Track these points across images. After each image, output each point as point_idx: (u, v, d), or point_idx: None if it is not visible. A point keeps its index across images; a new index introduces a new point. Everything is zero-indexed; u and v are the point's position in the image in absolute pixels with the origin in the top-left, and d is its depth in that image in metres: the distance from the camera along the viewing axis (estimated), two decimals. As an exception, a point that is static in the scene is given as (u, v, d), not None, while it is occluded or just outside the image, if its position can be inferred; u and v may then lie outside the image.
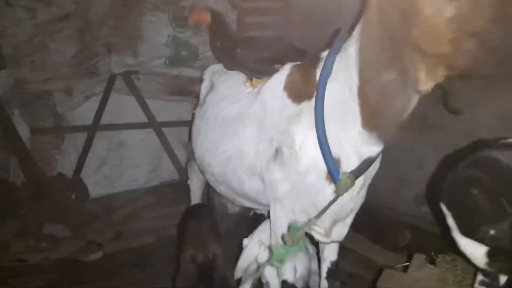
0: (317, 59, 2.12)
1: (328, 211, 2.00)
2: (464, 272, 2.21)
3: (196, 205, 3.34)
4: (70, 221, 4.05)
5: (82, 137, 4.56)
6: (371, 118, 1.86)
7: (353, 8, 1.92)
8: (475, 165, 1.44)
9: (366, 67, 1.78)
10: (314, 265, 2.70)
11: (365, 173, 2.04)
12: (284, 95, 2.22)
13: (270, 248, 2.24)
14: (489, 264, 1.48)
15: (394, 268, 2.70)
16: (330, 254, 2.51)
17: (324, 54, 2.07)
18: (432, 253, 2.46)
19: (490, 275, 1.57)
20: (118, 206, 4.47)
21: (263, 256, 2.52)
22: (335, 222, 2.25)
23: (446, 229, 1.63)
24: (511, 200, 1.35)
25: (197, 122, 2.88)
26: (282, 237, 2.12)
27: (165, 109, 4.93)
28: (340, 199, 1.98)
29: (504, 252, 1.43)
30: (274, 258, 1.97)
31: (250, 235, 2.63)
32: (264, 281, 2.45)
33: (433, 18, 1.49)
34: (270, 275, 2.39)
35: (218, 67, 2.99)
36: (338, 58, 1.95)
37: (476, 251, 1.48)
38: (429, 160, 3.38)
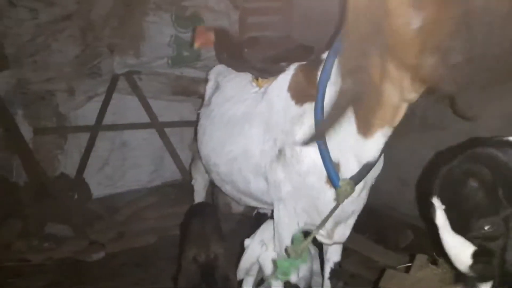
0: (318, 61, 2.12)
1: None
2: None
3: (199, 204, 3.34)
4: (72, 221, 4.05)
5: (84, 137, 4.57)
6: (364, 124, 1.86)
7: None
8: (473, 159, 1.42)
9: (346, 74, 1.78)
10: (316, 266, 2.70)
11: (372, 173, 2.04)
12: (288, 96, 2.23)
13: (274, 262, 2.26)
14: (472, 267, 1.45)
15: (396, 269, 2.69)
16: (333, 255, 2.51)
17: (325, 55, 2.07)
18: (434, 253, 2.46)
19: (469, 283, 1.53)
20: (120, 206, 4.48)
21: (265, 256, 2.52)
22: (336, 223, 2.25)
23: (433, 231, 1.59)
24: (508, 194, 1.34)
25: (202, 122, 2.89)
26: (286, 250, 2.12)
27: (168, 109, 4.94)
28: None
29: (489, 253, 1.41)
30: (279, 271, 1.97)
31: (252, 235, 2.63)
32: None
33: (402, 28, 1.50)
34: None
35: (223, 67, 2.99)
36: (337, 60, 1.93)
37: (462, 253, 1.44)
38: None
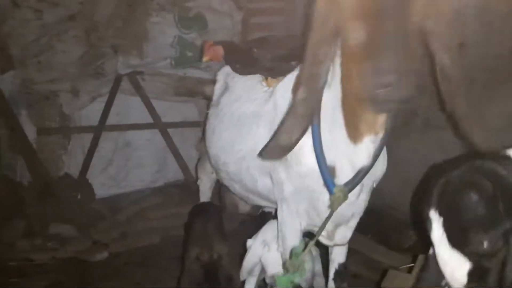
0: None
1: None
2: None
3: (203, 204, 3.34)
4: (76, 221, 4.06)
5: (88, 137, 4.58)
6: (353, 130, 1.87)
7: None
8: (473, 171, 1.39)
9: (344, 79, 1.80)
10: (318, 267, 2.69)
11: (366, 178, 2.03)
12: (291, 96, 2.23)
13: (274, 278, 2.30)
14: (466, 286, 1.41)
15: (398, 269, 2.70)
16: (338, 255, 2.50)
17: None
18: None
19: None
20: (123, 206, 4.49)
21: (267, 256, 2.52)
22: (337, 225, 2.25)
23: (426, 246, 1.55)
24: (508, 208, 1.31)
25: (211, 122, 2.90)
26: (284, 264, 2.15)
27: (171, 110, 4.94)
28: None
29: (486, 272, 1.37)
30: (278, 286, 1.99)
31: (254, 236, 2.64)
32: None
33: (350, 41, 1.54)
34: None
35: None
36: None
37: (457, 270, 1.39)
38: (434, 161, 3.37)
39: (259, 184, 2.46)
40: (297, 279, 2.01)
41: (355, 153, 1.93)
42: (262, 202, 2.70)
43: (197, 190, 3.59)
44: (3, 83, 4.14)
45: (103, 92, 4.56)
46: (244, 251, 2.68)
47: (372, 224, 3.12)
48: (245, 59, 2.76)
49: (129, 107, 4.77)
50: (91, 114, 4.60)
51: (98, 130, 4.58)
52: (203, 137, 3.13)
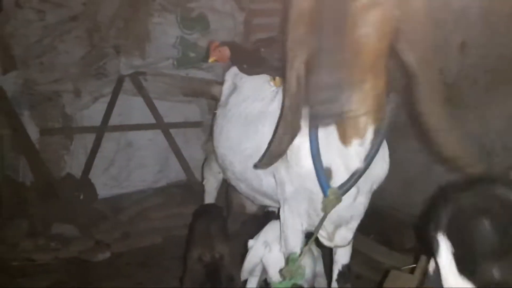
0: None
1: (329, 216, 2.02)
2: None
3: (207, 205, 3.35)
4: (78, 221, 4.07)
5: (90, 138, 4.59)
6: (342, 133, 1.88)
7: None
8: (485, 197, 1.33)
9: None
10: (319, 267, 2.69)
11: (362, 181, 2.03)
12: None
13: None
14: None
15: (401, 270, 2.69)
16: (342, 257, 2.50)
17: None
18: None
19: None
20: (126, 207, 4.49)
21: (268, 257, 2.52)
22: (336, 227, 2.25)
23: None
24: None
25: (219, 121, 2.91)
26: (280, 271, 2.16)
27: (173, 110, 4.95)
28: (337, 207, 1.98)
29: None
30: None
31: (256, 236, 2.64)
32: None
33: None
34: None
35: None
36: None
37: None
38: (435, 162, 3.37)
39: (264, 184, 2.47)
40: (294, 283, 2.02)
41: (347, 156, 1.94)
42: (267, 202, 2.71)
43: (199, 190, 3.60)
44: (6, 83, 4.15)
45: (105, 92, 4.57)
46: (245, 251, 2.69)
47: (374, 224, 3.12)
48: (252, 59, 2.77)
49: (131, 108, 4.77)
50: (93, 114, 4.60)
51: (101, 130, 4.59)
52: (210, 137, 3.14)
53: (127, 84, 4.61)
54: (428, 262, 2.04)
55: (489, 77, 3.12)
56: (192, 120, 5.05)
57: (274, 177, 2.33)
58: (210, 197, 3.51)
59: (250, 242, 2.63)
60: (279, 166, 2.22)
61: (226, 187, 3.53)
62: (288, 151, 2.12)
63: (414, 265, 2.52)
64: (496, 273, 1.26)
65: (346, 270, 2.50)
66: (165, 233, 4.07)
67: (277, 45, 2.76)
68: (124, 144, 4.84)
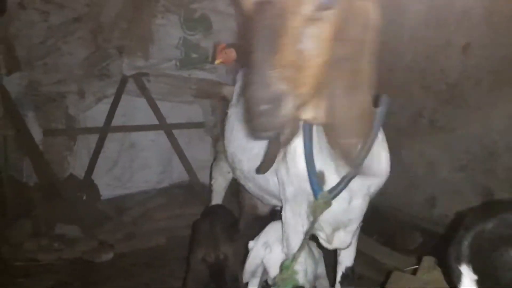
0: None
1: (325, 219, 2.02)
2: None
3: (213, 206, 3.36)
4: (81, 221, 4.09)
5: (93, 138, 4.61)
6: (329, 136, 1.86)
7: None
8: (504, 224, 1.31)
9: None
10: (321, 269, 2.69)
11: (357, 184, 2.03)
12: None
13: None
14: None
15: (403, 271, 2.69)
16: (345, 259, 2.49)
17: None
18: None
19: None
20: (129, 207, 4.51)
21: (269, 258, 2.52)
22: (334, 229, 2.24)
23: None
24: None
25: (230, 121, 2.92)
26: (274, 280, 2.16)
27: (176, 111, 4.96)
28: (331, 210, 1.98)
29: None
30: None
31: (256, 237, 2.64)
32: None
33: None
34: None
35: None
36: None
37: None
38: (440, 163, 3.37)
39: (271, 183, 2.47)
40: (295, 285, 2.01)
41: (337, 160, 1.92)
42: (275, 202, 2.71)
43: (201, 191, 3.59)
44: (10, 84, 4.16)
45: (108, 93, 4.59)
46: (247, 252, 2.69)
47: (377, 225, 3.12)
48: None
49: (134, 108, 4.78)
50: (96, 115, 4.62)
51: (104, 131, 4.60)
52: (221, 137, 3.15)
53: (130, 85, 4.62)
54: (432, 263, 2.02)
55: (492, 78, 3.12)
56: (195, 121, 5.05)
57: (277, 177, 2.34)
58: (218, 197, 3.50)
59: (251, 244, 2.63)
60: (280, 167, 2.22)
61: (239, 187, 3.53)
62: (287, 153, 2.13)
63: (417, 266, 2.51)
64: None
65: (349, 273, 2.49)
66: (168, 233, 4.08)
67: None
68: (127, 145, 4.86)
